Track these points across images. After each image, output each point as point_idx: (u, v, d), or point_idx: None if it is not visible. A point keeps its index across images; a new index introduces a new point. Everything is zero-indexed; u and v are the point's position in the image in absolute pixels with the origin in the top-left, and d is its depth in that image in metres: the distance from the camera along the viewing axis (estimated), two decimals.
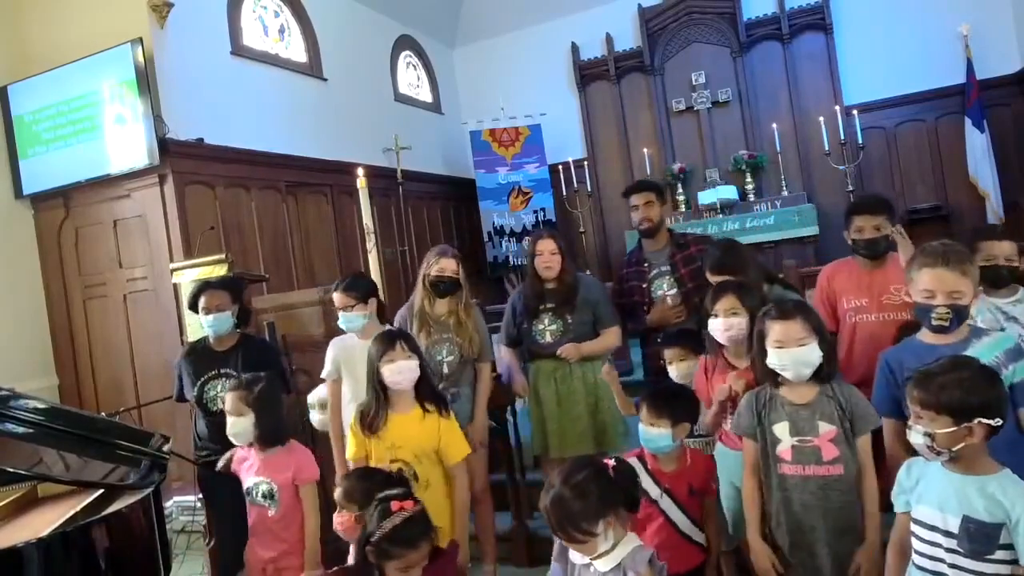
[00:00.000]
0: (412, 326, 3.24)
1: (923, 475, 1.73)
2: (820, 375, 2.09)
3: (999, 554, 1.58)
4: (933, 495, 1.69)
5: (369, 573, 1.96)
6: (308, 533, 2.68)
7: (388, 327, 3.12)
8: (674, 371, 2.75)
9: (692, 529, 2.36)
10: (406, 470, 2.55)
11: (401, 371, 2.58)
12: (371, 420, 2.65)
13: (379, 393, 2.64)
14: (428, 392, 2.70)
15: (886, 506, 2.04)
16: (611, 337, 3.34)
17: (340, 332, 3.28)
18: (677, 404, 2.38)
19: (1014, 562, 1.58)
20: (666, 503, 2.35)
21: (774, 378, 2.14)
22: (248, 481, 2.75)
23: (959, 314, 1.99)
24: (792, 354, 2.05)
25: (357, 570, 2.02)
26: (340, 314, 3.16)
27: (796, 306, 2.15)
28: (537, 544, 3.51)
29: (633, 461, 2.29)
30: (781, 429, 2.11)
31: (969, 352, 1.92)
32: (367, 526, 1.99)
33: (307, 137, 6.74)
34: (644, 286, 3.43)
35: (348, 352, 3.19)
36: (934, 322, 2.01)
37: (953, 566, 1.63)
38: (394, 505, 1.96)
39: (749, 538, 2.20)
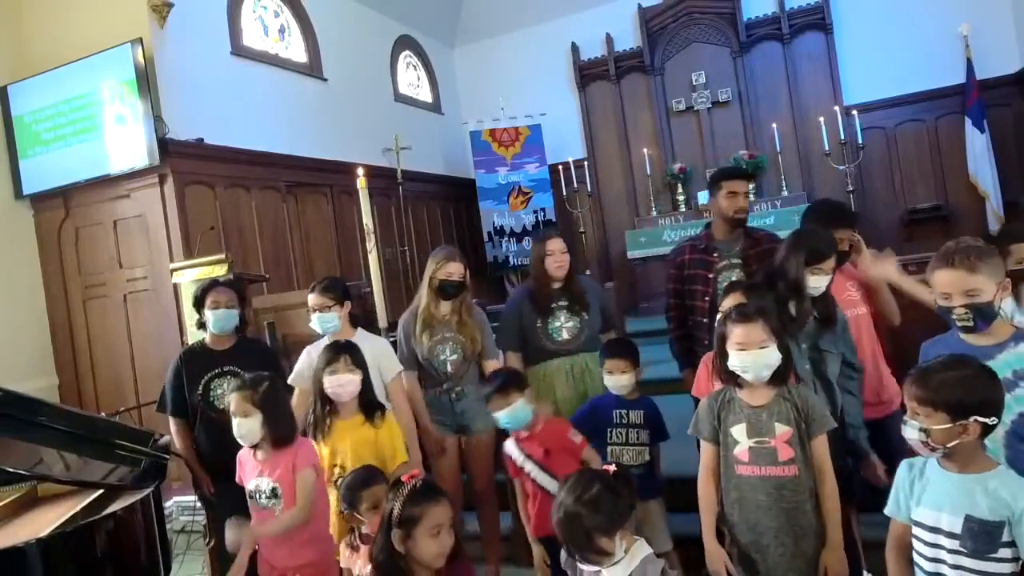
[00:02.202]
0: (416, 327, 3.24)
1: (923, 476, 1.73)
2: (778, 377, 2.14)
3: (1002, 552, 1.59)
4: (933, 496, 1.69)
5: (395, 568, 1.89)
6: (293, 510, 2.53)
7: (360, 329, 3.19)
8: (610, 381, 2.86)
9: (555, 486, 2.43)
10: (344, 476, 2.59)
11: (341, 384, 2.70)
12: (315, 426, 2.75)
13: (323, 400, 2.75)
14: (366, 401, 2.78)
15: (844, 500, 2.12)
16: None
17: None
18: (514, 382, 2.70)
19: (1016, 560, 1.58)
20: (530, 466, 2.64)
21: (734, 380, 2.18)
22: (250, 484, 2.64)
23: (980, 312, 1.92)
24: (753, 356, 2.09)
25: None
26: (315, 315, 3.14)
27: (757, 309, 2.19)
28: None
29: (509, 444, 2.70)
30: (739, 431, 2.15)
31: (1003, 356, 1.89)
32: (386, 509, 1.97)
33: (307, 137, 6.74)
34: (710, 276, 3.22)
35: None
36: (958, 323, 1.98)
37: (956, 567, 1.63)
38: (404, 478, 1.99)
39: (704, 540, 2.21)
